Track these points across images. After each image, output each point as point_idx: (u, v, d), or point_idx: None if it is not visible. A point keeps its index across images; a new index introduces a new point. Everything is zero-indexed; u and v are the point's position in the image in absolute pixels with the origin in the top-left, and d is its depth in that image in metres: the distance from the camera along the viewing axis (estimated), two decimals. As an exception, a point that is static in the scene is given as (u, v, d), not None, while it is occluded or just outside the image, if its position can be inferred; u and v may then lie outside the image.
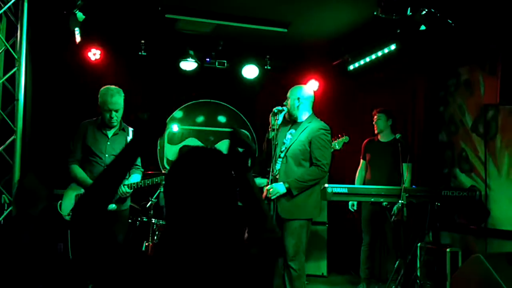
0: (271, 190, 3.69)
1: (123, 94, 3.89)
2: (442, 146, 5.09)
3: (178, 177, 1.33)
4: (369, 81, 6.27)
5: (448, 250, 4.33)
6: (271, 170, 3.76)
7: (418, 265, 4.61)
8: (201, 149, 1.42)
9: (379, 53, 5.53)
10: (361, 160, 5.17)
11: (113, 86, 3.89)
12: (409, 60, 5.38)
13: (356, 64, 6.02)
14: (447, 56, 5.00)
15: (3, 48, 3.97)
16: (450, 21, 3.75)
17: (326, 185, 4.19)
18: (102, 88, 3.90)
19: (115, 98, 3.79)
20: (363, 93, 6.42)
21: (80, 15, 4.16)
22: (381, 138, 5.04)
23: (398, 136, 4.69)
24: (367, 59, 5.79)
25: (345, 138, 5.14)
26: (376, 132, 5.06)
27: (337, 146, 5.09)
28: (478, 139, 4.66)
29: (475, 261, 3.55)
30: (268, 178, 3.79)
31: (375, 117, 5.05)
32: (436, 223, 4.57)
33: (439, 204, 4.34)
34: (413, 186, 4.51)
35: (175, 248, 1.28)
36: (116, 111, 3.81)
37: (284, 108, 3.88)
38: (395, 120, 5.06)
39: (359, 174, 5.14)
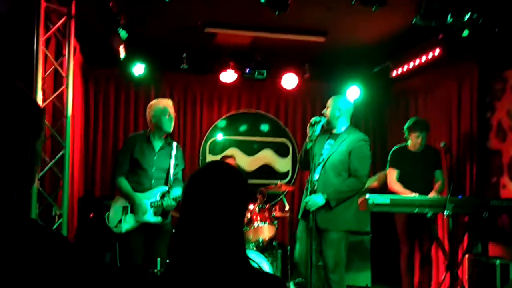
0: (309, 202, 3.67)
1: None
2: (490, 153, 4.90)
3: (192, 190, 1.39)
4: (412, 88, 6.14)
5: (497, 262, 4.16)
6: (309, 181, 3.74)
7: (467, 277, 4.45)
8: (217, 163, 1.47)
9: (422, 59, 5.39)
10: (394, 170, 4.86)
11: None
12: (453, 65, 5.23)
13: (399, 70, 5.90)
14: (493, 60, 4.82)
15: (52, 67, 4.17)
16: (494, 26, 3.61)
17: (367, 195, 4.13)
18: (152, 101, 4.09)
19: (171, 105, 4.01)
20: (405, 100, 6.29)
21: (123, 33, 4.31)
22: (412, 148, 4.83)
23: (443, 144, 4.57)
24: (410, 65, 5.66)
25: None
26: (415, 148, 4.79)
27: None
28: (528, 146, 4.46)
29: (527, 275, 3.40)
30: (306, 189, 3.77)
31: (420, 135, 4.72)
32: (484, 234, 4.40)
33: (487, 214, 4.17)
34: (459, 196, 4.36)
35: (183, 265, 1.33)
36: (173, 116, 3.99)
37: (322, 118, 3.86)
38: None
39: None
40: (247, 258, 1.37)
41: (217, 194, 1.35)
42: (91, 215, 5.29)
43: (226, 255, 1.32)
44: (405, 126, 4.83)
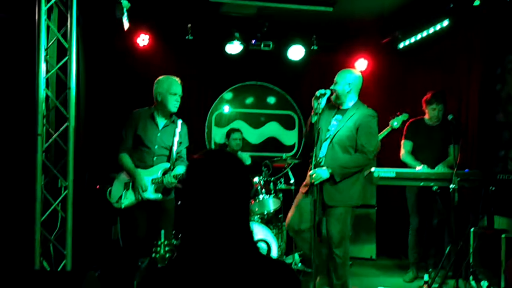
0: (314, 175, 3.66)
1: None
2: (499, 126, 4.82)
3: (191, 182, 1.35)
4: (421, 59, 6.04)
5: (503, 236, 4.14)
6: (314, 155, 3.71)
7: (471, 251, 4.44)
8: (216, 152, 1.42)
9: (431, 30, 5.28)
10: (407, 142, 4.86)
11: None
12: (463, 36, 5.11)
13: (407, 42, 5.80)
14: (504, 31, 4.69)
15: (55, 38, 4.11)
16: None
17: (373, 169, 4.10)
18: (161, 77, 3.98)
19: (179, 84, 3.91)
20: (414, 71, 6.19)
21: (125, 3, 4.24)
22: (430, 121, 4.80)
23: (450, 117, 4.49)
24: (419, 36, 5.55)
25: (403, 116, 4.96)
26: (433, 121, 4.77)
27: (395, 125, 4.93)
28: (538, 119, 4.38)
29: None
30: (310, 162, 3.75)
31: (436, 107, 4.69)
32: (490, 208, 4.37)
33: (493, 188, 4.13)
34: (466, 170, 4.31)
35: (191, 254, 1.30)
36: (179, 96, 3.90)
37: (327, 91, 3.79)
38: None
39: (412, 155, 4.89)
40: (255, 244, 1.34)
41: (217, 185, 1.31)
42: (98, 187, 5.32)
43: (232, 245, 1.30)
44: (423, 99, 4.79)
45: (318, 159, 3.72)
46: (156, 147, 3.90)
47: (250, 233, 1.34)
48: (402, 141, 4.91)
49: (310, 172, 3.71)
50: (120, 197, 3.85)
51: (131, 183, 3.87)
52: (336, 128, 3.78)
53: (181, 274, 1.28)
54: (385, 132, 5.08)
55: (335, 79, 3.89)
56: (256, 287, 1.26)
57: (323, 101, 3.73)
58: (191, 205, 1.33)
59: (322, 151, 3.76)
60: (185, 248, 1.32)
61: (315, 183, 3.63)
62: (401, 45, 5.86)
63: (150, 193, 3.83)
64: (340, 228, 3.70)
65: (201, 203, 1.31)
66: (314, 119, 3.73)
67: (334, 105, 3.90)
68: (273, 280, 1.28)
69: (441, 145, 4.69)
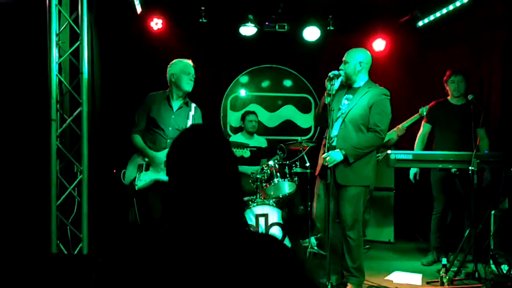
0: (328, 158, 3.60)
1: None
2: (522, 106, 4.66)
3: (177, 156, 1.33)
4: (441, 38, 5.86)
5: (525, 219, 4.03)
6: (327, 137, 3.65)
7: (491, 233, 4.34)
8: (199, 126, 1.40)
9: (451, 7, 5.11)
10: (426, 125, 4.78)
11: None
12: (484, 12, 4.92)
13: (426, 20, 5.62)
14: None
15: (66, 23, 4.11)
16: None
17: (389, 151, 4.01)
18: (174, 60, 4.01)
19: (192, 65, 3.94)
20: (434, 51, 6.01)
21: (135, -14, 4.19)
22: (453, 100, 4.67)
23: (470, 97, 4.35)
24: (438, 14, 5.38)
25: None
26: (454, 96, 4.64)
27: (424, 113, 4.84)
28: None
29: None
30: (324, 145, 3.68)
31: (455, 79, 4.59)
32: (511, 190, 4.24)
33: (515, 170, 4.00)
34: (486, 152, 4.18)
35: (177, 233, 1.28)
36: (193, 76, 3.92)
37: (341, 72, 3.71)
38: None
39: (424, 139, 4.80)
40: (243, 219, 1.32)
41: (198, 157, 1.30)
42: (114, 171, 5.35)
43: (217, 219, 1.27)
44: (444, 79, 4.69)
45: (330, 140, 3.65)
46: (170, 129, 3.91)
47: (238, 208, 1.31)
48: (422, 123, 4.81)
49: (323, 155, 3.65)
50: (134, 178, 3.88)
51: (144, 165, 3.90)
52: (347, 107, 3.71)
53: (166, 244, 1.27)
54: (413, 119, 4.99)
55: (344, 59, 3.80)
56: (245, 262, 1.23)
57: (336, 82, 3.66)
58: (172, 182, 1.32)
59: (334, 130, 3.71)
60: (169, 224, 1.31)
61: (329, 165, 3.57)
62: (420, 23, 5.69)
63: (164, 175, 3.85)
64: (353, 210, 3.65)
65: (181, 178, 1.30)
66: (327, 100, 3.66)
67: (344, 85, 3.83)
68: (264, 255, 1.25)
69: (462, 126, 4.55)
